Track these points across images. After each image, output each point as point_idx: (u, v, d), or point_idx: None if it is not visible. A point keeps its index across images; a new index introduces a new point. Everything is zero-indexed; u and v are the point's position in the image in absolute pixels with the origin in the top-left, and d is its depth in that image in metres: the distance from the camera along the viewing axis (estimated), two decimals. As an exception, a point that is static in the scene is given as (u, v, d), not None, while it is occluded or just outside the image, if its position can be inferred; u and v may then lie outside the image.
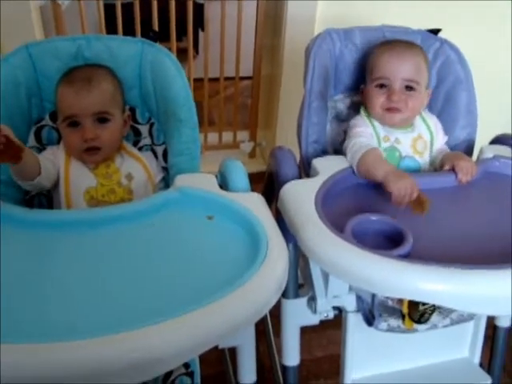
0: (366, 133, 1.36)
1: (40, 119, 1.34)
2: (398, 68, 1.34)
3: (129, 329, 0.80)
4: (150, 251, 1.04)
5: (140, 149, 1.38)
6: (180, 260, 1.01)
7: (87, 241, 1.05)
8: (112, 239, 1.06)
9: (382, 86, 1.36)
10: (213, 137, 2.63)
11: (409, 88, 1.35)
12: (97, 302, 0.90)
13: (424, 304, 1.19)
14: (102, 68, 1.29)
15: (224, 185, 1.22)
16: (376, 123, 1.39)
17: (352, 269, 1.02)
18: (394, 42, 1.40)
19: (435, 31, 1.53)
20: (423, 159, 1.41)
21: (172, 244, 1.06)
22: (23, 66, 1.28)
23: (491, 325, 1.52)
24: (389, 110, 1.35)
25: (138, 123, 1.39)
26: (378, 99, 1.36)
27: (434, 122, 1.45)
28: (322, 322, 1.42)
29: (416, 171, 1.39)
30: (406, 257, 1.05)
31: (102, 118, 1.23)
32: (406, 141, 1.39)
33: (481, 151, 1.45)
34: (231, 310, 0.87)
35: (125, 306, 0.90)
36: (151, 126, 1.39)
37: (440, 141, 1.45)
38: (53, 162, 1.25)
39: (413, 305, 1.20)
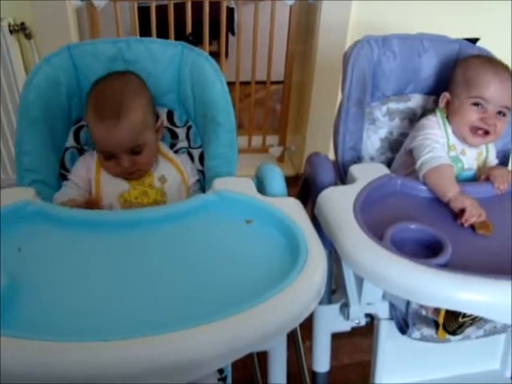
0: (439, 137, 1.37)
1: (79, 119, 1.36)
2: (500, 95, 1.33)
3: (166, 331, 0.81)
4: (187, 254, 1.03)
5: (176, 152, 1.38)
6: (218, 264, 1.01)
7: (125, 241, 1.06)
8: (149, 241, 1.06)
9: (476, 104, 1.35)
10: (242, 140, 2.61)
11: (500, 113, 1.35)
12: (133, 304, 0.91)
13: (464, 316, 1.19)
14: (130, 83, 1.26)
15: (260, 189, 1.21)
16: (449, 129, 1.39)
17: (391, 276, 1.02)
18: (497, 64, 1.38)
19: (473, 40, 1.53)
20: (479, 174, 1.42)
21: (210, 247, 1.06)
22: (64, 66, 1.30)
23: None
24: (477, 130, 1.36)
25: (176, 126, 1.39)
26: (471, 116, 1.35)
27: None
28: (350, 329, 1.43)
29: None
30: (445, 266, 1.04)
31: (136, 150, 1.23)
32: (472, 154, 1.41)
33: (516, 162, 1.45)
34: (270, 316, 0.87)
35: (161, 309, 0.90)
36: (188, 129, 1.39)
37: (492, 158, 1.46)
38: (84, 180, 1.28)
39: (451, 316, 1.19)
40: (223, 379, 1.22)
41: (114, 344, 0.79)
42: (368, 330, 1.39)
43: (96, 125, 1.21)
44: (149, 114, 1.27)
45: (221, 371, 1.22)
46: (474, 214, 1.20)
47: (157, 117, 1.33)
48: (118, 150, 1.21)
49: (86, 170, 1.28)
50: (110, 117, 1.19)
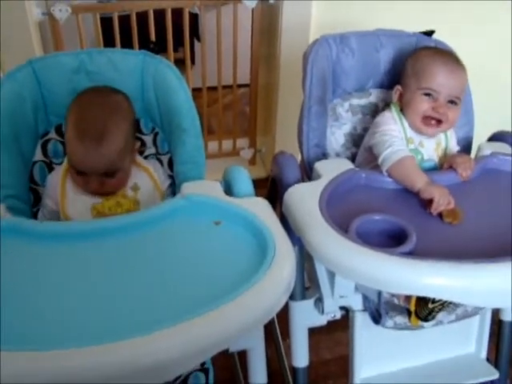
0: (396, 132, 1.39)
1: (46, 133, 1.36)
2: (449, 84, 1.36)
3: (141, 334, 0.83)
4: (158, 258, 1.06)
5: (145, 158, 1.39)
6: (189, 265, 1.03)
7: (96, 251, 1.07)
8: (120, 248, 1.08)
9: (427, 94, 1.37)
10: (213, 145, 2.64)
11: (451, 102, 1.37)
12: (107, 310, 0.93)
13: (434, 302, 1.21)
14: (118, 105, 1.26)
15: (228, 191, 1.23)
16: (406, 123, 1.41)
17: (357, 267, 1.05)
18: (445, 55, 1.42)
19: (429, 33, 1.56)
20: (441, 163, 1.44)
21: (180, 250, 1.08)
22: (27, 81, 1.30)
23: (496, 320, 1.54)
24: (430, 120, 1.38)
25: (143, 134, 1.40)
26: (423, 106, 1.37)
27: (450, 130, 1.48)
28: (329, 323, 1.44)
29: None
30: (410, 254, 1.07)
31: (108, 173, 1.22)
32: (431, 145, 1.43)
33: (479, 149, 1.48)
34: (241, 312, 0.90)
35: (136, 312, 0.92)
36: (155, 135, 1.41)
37: (453, 146, 1.49)
38: (54, 200, 1.28)
39: (421, 303, 1.22)
40: (204, 371, 1.25)
41: (86, 351, 0.81)
42: (347, 324, 1.41)
43: (75, 142, 1.19)
44: (130, 139, 1.26)
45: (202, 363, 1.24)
46: (441, 203, 1.22)
47: (135, 139, 1.34)
48: (93, 172, 1.21)
49: (53, 189, 1.28)
50: (92, 139, 1.17)
